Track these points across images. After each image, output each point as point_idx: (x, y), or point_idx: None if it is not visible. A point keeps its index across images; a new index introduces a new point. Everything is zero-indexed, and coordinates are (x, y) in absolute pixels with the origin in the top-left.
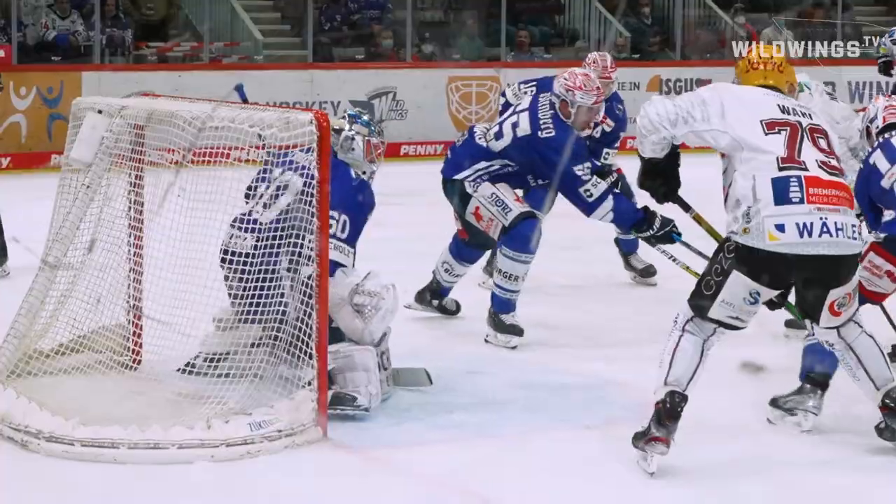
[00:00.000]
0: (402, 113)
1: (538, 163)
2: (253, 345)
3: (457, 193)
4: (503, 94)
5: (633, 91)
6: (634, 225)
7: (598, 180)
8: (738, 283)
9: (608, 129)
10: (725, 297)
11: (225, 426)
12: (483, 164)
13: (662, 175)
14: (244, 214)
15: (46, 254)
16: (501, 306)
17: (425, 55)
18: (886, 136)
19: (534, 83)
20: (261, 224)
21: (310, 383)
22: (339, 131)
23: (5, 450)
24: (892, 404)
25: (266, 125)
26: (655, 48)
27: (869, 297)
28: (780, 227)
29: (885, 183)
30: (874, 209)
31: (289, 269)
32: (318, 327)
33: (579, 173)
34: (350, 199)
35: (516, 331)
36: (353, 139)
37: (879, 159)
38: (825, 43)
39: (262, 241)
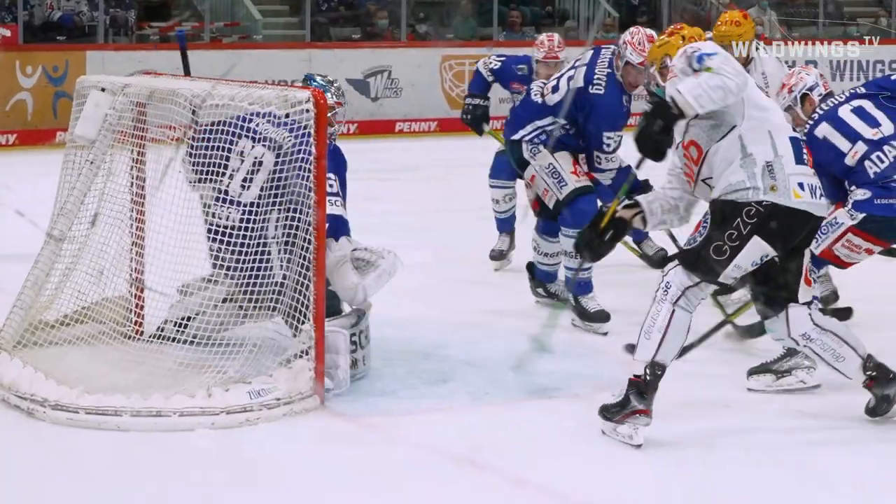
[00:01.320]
0: (397, 91)
1: (580, 119)
2: (221, 302)
3: (516, 157)
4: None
5: None
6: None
7: (615, 157)
8: (755, 248)
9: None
10: (739, 261)
11: (225, 394)
12: (539, 121)
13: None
14: (222, 192)
15: (51, 227)
16: (579, 289)
17: (420, 34)
18: (825, 106)
19: (503, 57)
20: (242, 201)
21: (306, 352)
22: None
23: (12, 417)
24: (874, 373)
25: (264, 103)
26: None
27: (840, 263)
28: (801, 186)
29: (849, 161)
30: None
31: (282, 240)
32: (316, 297)
33: (607, 140)
34: (331, 161)
35: (602, 316)
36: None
37: (833, 136)
38: (808, 22)
39: (246, 214)
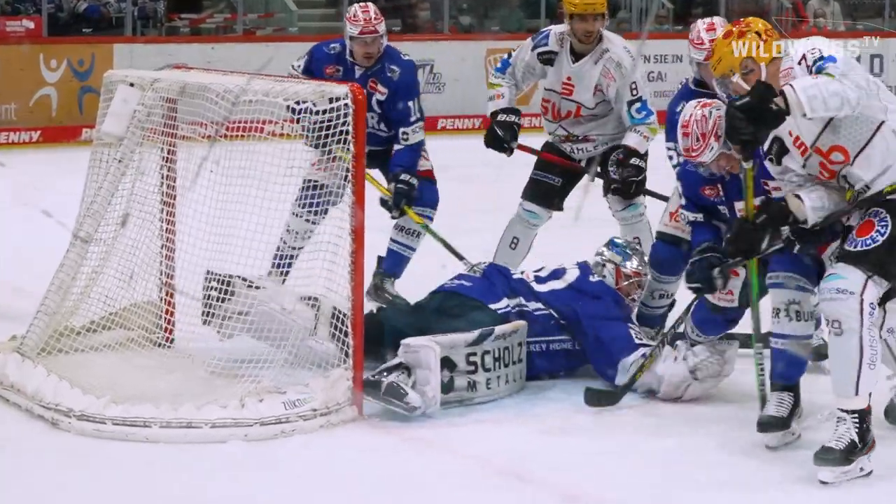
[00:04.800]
0: (439, 86)
1: None
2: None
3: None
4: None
5: (676, 64)
6: None
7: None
8: None
9: (382, 98)
10: None
11: (259, 405)
12: None
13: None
14: None
15: (78, 229)
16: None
17: (463, 27)
18: None
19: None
20: None
21: (345, 361)
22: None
23: (36, 428)
24: None
25: (301, 98)
26: (698, 19)
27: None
28: None
29: None
30: None
31: None
32: (354, 303)
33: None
34: None
35: None
36: (603, 265)
37: None
38: (873, 13)
39: None
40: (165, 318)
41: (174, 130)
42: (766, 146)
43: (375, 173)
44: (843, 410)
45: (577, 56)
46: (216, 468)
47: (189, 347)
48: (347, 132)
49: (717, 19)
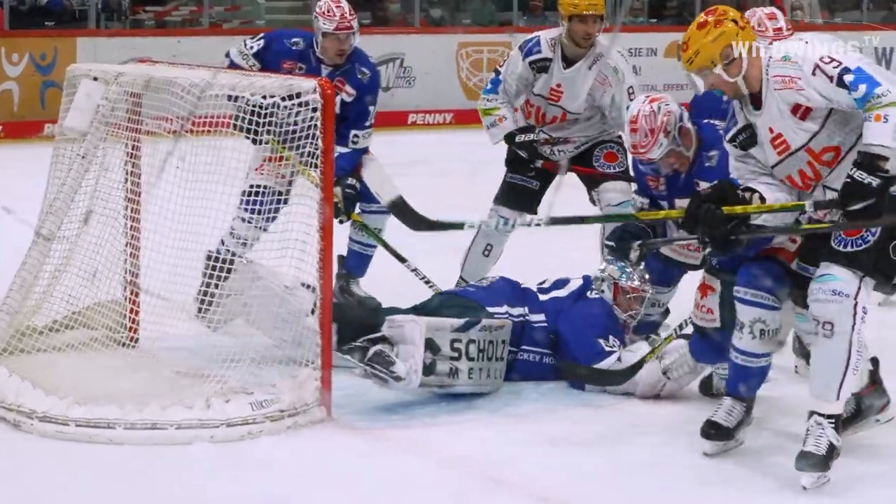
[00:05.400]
0: (409, 80)
1: None
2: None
3: None
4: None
5: (650, 57)
6: None
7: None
8: None
9: (348, 99)
10: None
11: (225, 405)
12: None
13: None
14: None
15: (40, 226)
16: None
17: (434, 20)
18: None
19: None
20: None
21: (313, 360)
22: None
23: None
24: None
25: (268, 93)
26: (673, 12)
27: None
28: None
29: None
30: None
31: None
32: (323, 301)
33: None
34: None
35: None
36: (602, 280)
37: None
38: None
39: None
40: (130, 318)
41: (139, 126)
42: (732, 132)
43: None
44: (820, 415)
45: (568, 62)
46: (181, 471)
47: (154, 347)
48: (316, 127)
49: (774, 9)
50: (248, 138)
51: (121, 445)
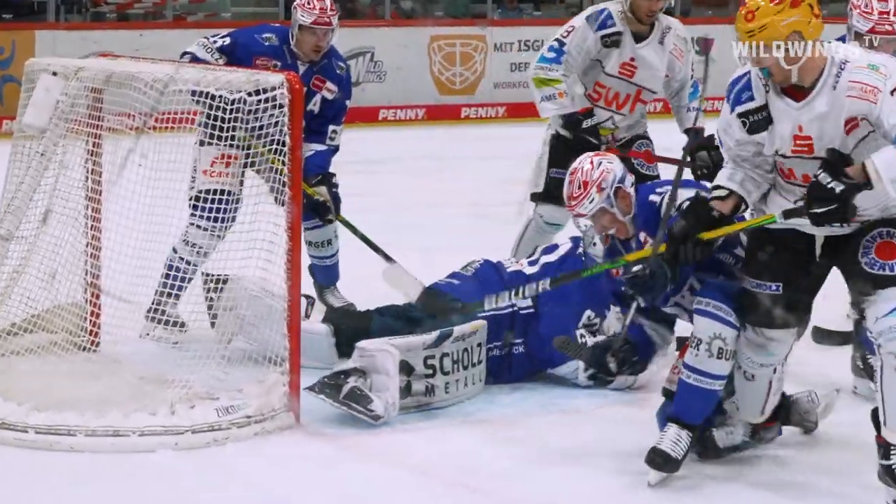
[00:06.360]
0: (380, 75)
1: None
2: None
3: None
4: None
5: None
6: None
7: None
8: None
9: (330, 97)
10: None
11: (190, 411)
12: None
13: None
14: None
15: None
16: None
17: (405, 12)
18: None
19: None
20: None
21: (280, 364)
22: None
23: None
24: None
25: (234, 87)
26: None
27: None
28: None
29: None
30: None
31: None
32: (291, 304)
33: None
34: None
35: None
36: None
37: None
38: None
39: None
40: (90, 321)
41: (100, 122)
42: (744, 107)
43: None
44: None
45: (636, 37)
46: (144, 479)
47: (115, 351)
48: (283, 123)
49: None
50: (204, 137)
51: (82, 453)
